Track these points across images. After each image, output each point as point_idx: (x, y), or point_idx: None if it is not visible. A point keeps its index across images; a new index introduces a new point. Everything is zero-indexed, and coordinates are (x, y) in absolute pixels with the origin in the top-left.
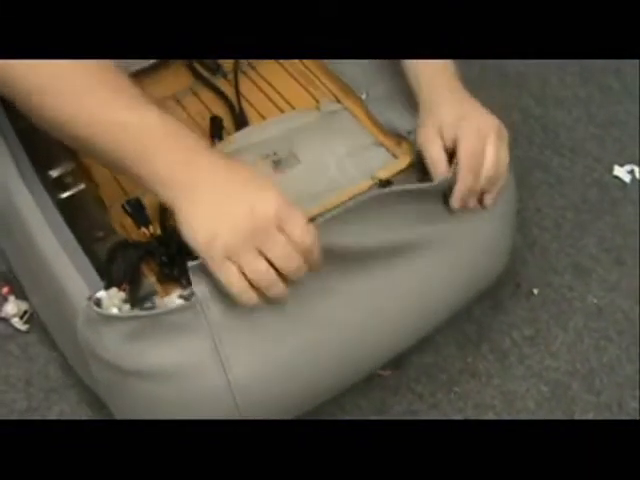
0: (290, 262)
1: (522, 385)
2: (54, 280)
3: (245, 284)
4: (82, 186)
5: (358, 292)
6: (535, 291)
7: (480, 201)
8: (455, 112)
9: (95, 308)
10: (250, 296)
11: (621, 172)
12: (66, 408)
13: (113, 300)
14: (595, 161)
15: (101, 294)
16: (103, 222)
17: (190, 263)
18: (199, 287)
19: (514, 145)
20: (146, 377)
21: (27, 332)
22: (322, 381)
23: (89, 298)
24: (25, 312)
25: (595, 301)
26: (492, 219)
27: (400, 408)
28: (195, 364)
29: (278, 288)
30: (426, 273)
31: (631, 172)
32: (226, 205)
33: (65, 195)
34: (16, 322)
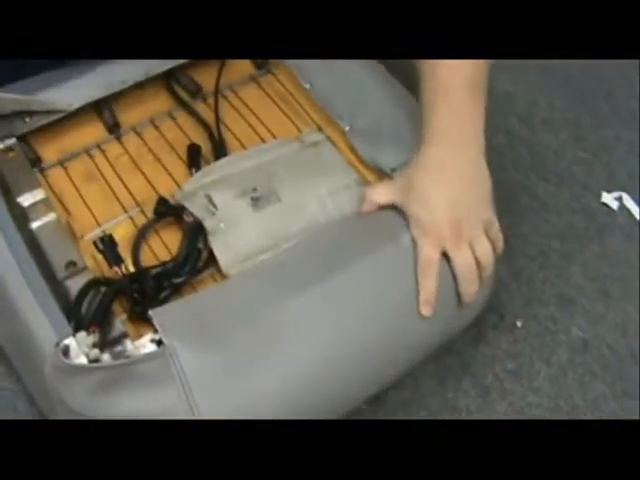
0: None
1: None
2: (20, 322)
3: None
4: (53, 216)
5: (326, 333)
6: (519, 323)
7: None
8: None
9: (62, 358)
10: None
11: (609, 199)
12: None
13: (81, 346)
14: (582, 187)
15: (69, 341)
16: (74, 255)
17: (151, 311)
18: (167, 335)
19: (500, 169)
20: None
21: None
22: None
23: (57, 345)
24: None
25: (580, 334)
26: None
27: None
28: (166, 415)
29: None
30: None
31: (619, 199)
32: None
33: (35, 225)
34: None
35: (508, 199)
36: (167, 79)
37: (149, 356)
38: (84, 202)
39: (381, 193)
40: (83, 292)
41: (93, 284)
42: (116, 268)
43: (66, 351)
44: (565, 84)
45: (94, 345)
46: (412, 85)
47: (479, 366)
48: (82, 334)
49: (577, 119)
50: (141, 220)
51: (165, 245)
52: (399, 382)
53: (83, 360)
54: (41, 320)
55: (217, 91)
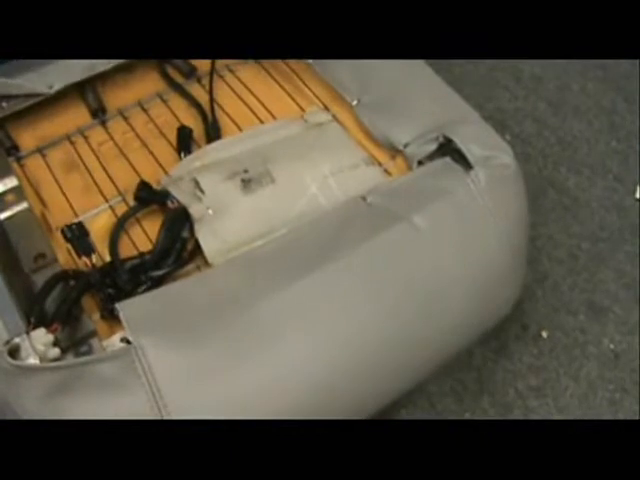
0: None
1: None
2: None
3: None
4: (25, 205)
5: (325, 329)
6: (544, 334)
7: None
8: None
9: (7, 358)
10: None
11: None
12: None
13: (36, 344)
14: (616, 181)
15: (19, 339)
16: (45, 248)
17: (118, 304)
18: (134, 330)
19: (525, 160)
20: None
21: None
22: None
23: (6, 343)
24: None
25: (612, 346)
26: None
27: None
28: None
29: None
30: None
31: None
32: None
33: (4, 215)
34: None
35: (534, 194)
36: (158, 59)
37: (112, 354)
38: (62, 192)
39: None
40: (48, 285)
41: (61, 277)
42: (86, 259)
43: (15, 350)
44: (599, 67)
45: (55, 343)
46: None
47: (499, 382)
48: (40, 331)
49: (612, 105)
50: (123, 210)
51: (148, 236)
52: (412, 400)
53: (34, 361)
54: None
55: (213, 70)
